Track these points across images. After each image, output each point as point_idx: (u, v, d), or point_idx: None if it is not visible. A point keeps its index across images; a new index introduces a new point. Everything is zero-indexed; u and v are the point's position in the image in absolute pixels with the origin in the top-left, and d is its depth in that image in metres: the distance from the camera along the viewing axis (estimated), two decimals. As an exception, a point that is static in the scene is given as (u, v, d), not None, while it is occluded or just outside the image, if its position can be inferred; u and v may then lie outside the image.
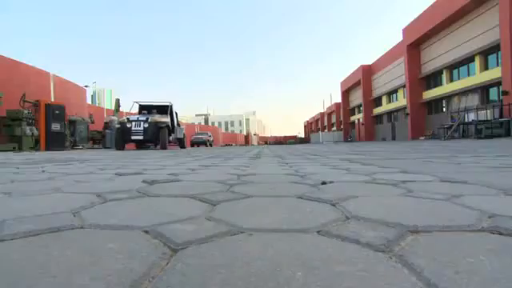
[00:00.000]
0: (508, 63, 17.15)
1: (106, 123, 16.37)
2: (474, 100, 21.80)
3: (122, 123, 11.20)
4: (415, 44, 27.53)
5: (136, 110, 13.79)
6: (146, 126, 10.88)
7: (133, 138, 10.90)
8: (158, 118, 11.40)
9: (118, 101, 17.93)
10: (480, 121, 16.99)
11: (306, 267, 0.49)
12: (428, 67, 26.83)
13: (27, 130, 10.63)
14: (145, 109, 13.06)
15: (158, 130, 11.12)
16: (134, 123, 10.91)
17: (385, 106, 35.73)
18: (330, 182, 1.44)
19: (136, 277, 0.46)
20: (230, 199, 1.07)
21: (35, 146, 10.78)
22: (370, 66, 38.68)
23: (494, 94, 20.47)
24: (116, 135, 11.33)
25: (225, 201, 1.04)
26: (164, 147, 11.29)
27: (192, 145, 24.18)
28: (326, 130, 58.52)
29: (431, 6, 24.17)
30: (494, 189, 1.18)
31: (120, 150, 10.85)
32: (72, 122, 14.10)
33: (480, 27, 20.68)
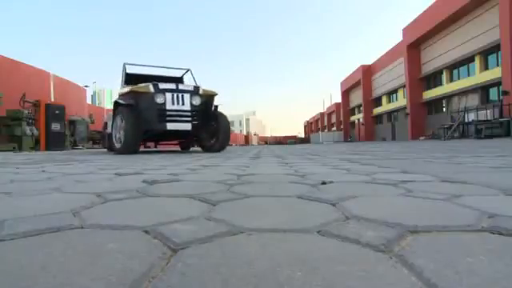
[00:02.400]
0: (508, 63, 17.15)
1: (105, 123, 16.35)
2: (474, 100, 21.80)
3: (141, 94, 5.31)
4: (415, 44, 27.55)
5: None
6: (197, 102, 5.49)
7: (171, 127, 5.30)
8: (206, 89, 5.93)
9: (117, 101, 17.90)
10: (480, 121, 17.00)
11: (306, 267, 0.49)
12: (428, 67, 26.84)
13: (27, 130, 10.63)
14: (137, 81, 6.49)
15: (213, 112, 5.94)
16: (169, 96, 5.28)
17: (385, 106, 35.74)
18: (330, 182, 1.44)
19: (136, 277, 0.46)
20: (229, 199, 1.07)
21: (35, 146, 10.79)
22: (369, 66, 38.69)
23: (493, 94, 20.47)
24: (128, 124, 5.19)
25: (225, 201, 1.04)
26: (226, 144, 6.29)
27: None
28: (326, 130, 58.54)
29: (431, 6, 24.17)
30: (494, 189, 1.18)
31: (132, 152, 5.46)
32: (72, 122, 14.11)
33: (480, 27, 20.69)
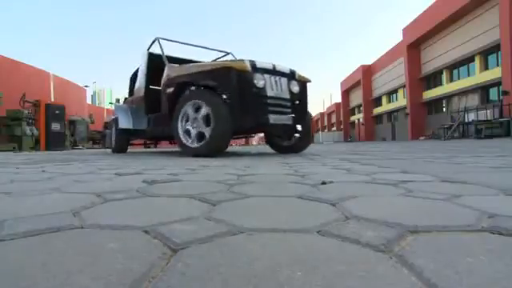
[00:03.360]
0: (508, 63, 17.16)
1: (105, 123, 16.39)
2: (474, 100, 21.80)
3: (234, 73, 3.80)
4: (415, 44, 27.56)
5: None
6: (296, 89, 4.35)
7: (273, 120, 4.01)
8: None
9: (117, 101, 17.93)
10: (480, 121, 17.01)
11: (306, 267, 0.49)
12: (428, 67, 26.84)
13: (27, 130, 10.65)
14: (159, 64, 5.15)
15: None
16: (267, 78, 4.03)
17: (385, 106, 35.73)
18: (330, 182, 1.44)
19: (136, 277, 0.46)
20: (230, 199, 1.07)
21: (35, 146, 10.80)
22: (369, 66, 38.69)
23: (493, 94, 20.48)
24: (220, 115, 3.77)
25: (225, 201, 1.04)
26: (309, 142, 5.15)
27: None
28: (326, 130, 58.53)
29: (431, 6, 24.18)
30: (494, 189, 1.18)
31: (218, 153, 4.14)
32: (72, 122, 14.14)
33: (480, 27, 20.69)
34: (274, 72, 4.13)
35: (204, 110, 3.97)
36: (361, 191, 1.20)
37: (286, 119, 4.17)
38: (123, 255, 0.55)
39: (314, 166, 2.47)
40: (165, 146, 12.78)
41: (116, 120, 6.12)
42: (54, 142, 11.06)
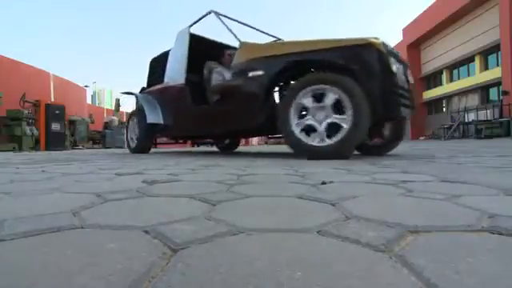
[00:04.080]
0: (508, 63, 17.17)
1: (105, 123, 16.40)
2: (474, 100, 21.80)
3: (371, 52, 3.04)
4: (415, 44, 27.56)
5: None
6: (411, 79, 3.79)
7: (403, 113, 3.26)
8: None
9: (117, 100, 17.95)
10: (480, 121, 17.01)
11: (306, 267, 0.49)
12: (428, 67, 26.84)
13: (27, 130, 10.65)
14: (199, 48, 5.24)
15: None
16: (396, 64, 3.17)
17: (385, 106, 35.62)
18: (330, 182, 1.44)
19: (136, 277, 0.46)
20: (230, 199, 1.07)
21: (35, 146, 10.80)
22: (370, 66, 38.61)
23: (493, 94, 20.48)
24: (364, 103, 2.95)
25: (225, 201, 1.04)
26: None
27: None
28: (326, 130, 58.36)
29: (431, 6, 24.18)
30: (494, 189, 1.18)
31: (352, 153, 3.30)
32: (72, 122, 14.13)
33: (480, 27, 20.70)
34: (396, 57, 3.41)
35: (331, 97, 3.15)
36: (361, 191, 1.19)
37: (408, 113, 3.50)
38: (123, 255, 0.55)
39: (314, 166, 2.47)
40: (167, 147, 12.73)
41: (142, 113, 5.16)
42: (54, 142, 11.05)
